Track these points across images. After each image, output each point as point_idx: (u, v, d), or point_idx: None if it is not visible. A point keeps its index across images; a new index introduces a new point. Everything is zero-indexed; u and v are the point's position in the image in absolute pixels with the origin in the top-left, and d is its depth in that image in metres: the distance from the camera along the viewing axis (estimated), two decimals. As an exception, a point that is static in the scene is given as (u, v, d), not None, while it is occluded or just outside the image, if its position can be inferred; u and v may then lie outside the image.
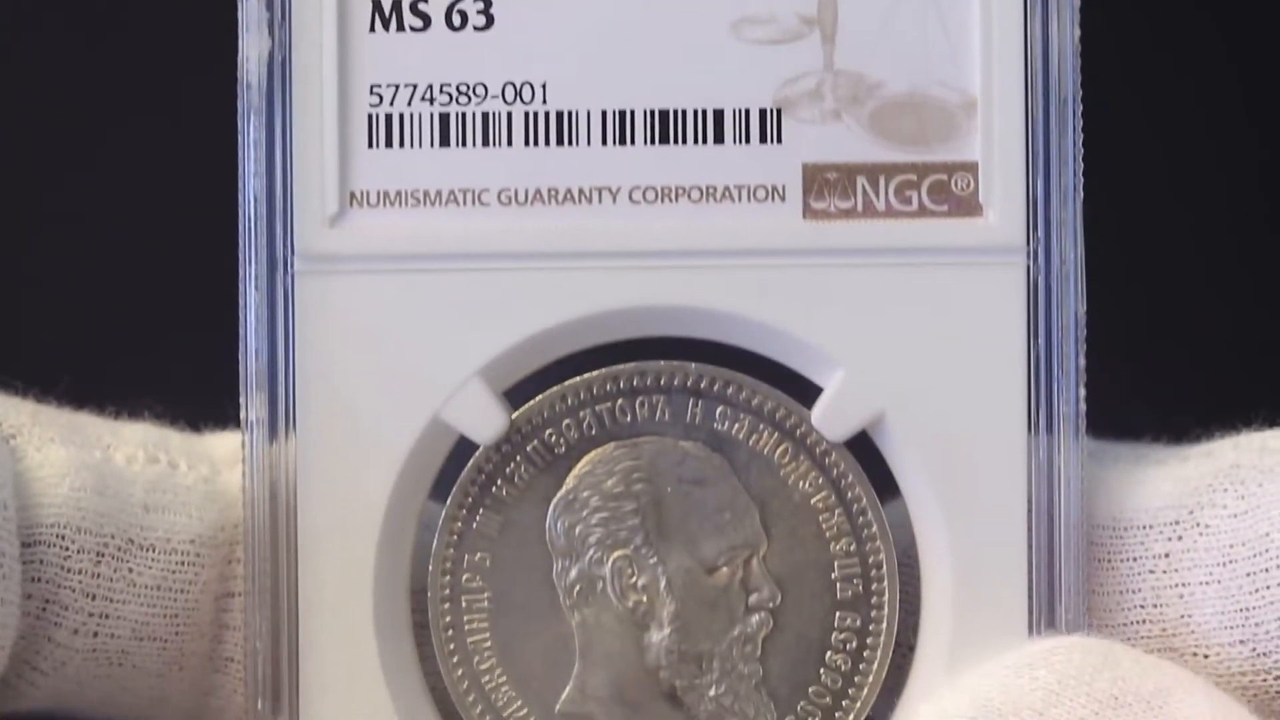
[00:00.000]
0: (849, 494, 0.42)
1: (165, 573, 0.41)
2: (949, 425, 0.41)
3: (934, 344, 0.41)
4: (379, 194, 0.41)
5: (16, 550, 0.40)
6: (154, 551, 0.41)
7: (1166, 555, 0.41)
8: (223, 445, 0.43)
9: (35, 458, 0.41)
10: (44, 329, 0.56)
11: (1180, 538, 0.41)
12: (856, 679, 0.42)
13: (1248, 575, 0.41)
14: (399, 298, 0.41)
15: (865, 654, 0.42)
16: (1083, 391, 0.41)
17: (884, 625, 0.42)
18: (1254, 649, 0.41)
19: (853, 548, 0.42)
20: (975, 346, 0.41)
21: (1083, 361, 0.41)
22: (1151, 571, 0.41)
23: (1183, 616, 0.41)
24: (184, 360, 0.52)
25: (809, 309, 0.41)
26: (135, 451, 0.42)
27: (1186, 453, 0.43)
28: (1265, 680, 0.41)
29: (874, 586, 0.42)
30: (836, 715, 0.42)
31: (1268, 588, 0.40)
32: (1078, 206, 0.41)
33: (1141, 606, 0.41)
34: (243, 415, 0.41)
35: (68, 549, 0.40)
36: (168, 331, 0.55)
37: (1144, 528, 0.41)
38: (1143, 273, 0.55)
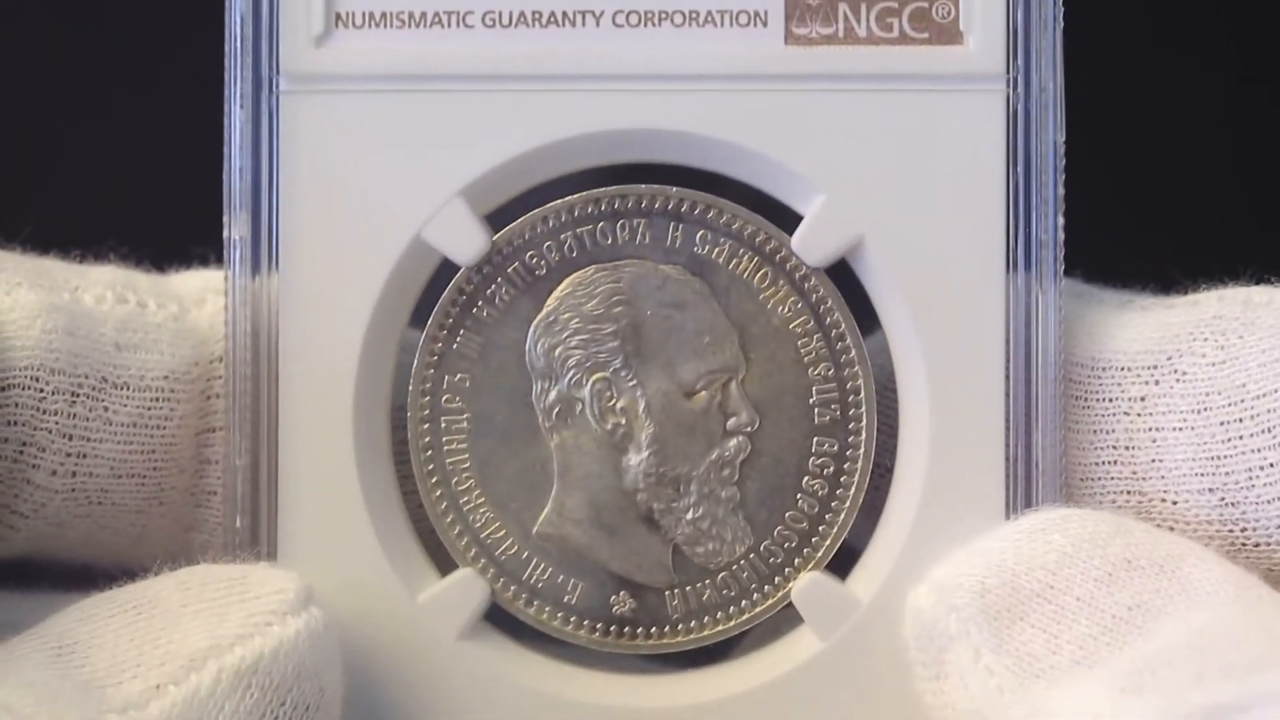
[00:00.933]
0: (828, 319, 0.42)
1: (140, 409, 0.41)
2: (928, 252, 0.41)
3: (914, 171, 0.41)
4: (364, 15, 0.42)
5: None
6: (128, 389, 0.41)
7: (1142, 399, 0.41)
8: (190, 284, 0.43)
9: (4, 302, 0.41)
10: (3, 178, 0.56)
11: (1157, 382, 0.41)
12: (834, 504, 0.42)
13: (1221, 424, 0.41)
14: (383, 118, 0.41)
15: (843, 479, 0.42)
16: (1061, 220, 0.41)
17: (861, 450, 0.42)
18: (1222, 498, 0.41)
19: (831, 373, 0.42)
20: (955, 174, 0.41)
21: (1061, 190, 0.41)
22: (1126, 413, 0.42)
23: (1154, 460, 0.41)
24: (146, 204, 0.52)
25: (790, 134, 0.41)
26: (104, 292, 0.42)
27: (1171, 301, 0.43)
28: (1232, 531, 0.41)
29: (852, 412, 0.42)
30: (813, 539, 0.42)
31: (1240, 438, 0.40)
32: (1058, 35, 0.41)
33: (1114, 447, 0.42)
34: (226, 233, 0.42)
35: (42, 390, 0.41)
36: (127, 174, 0.55)
37: (1122, 369, 0.42)
38: (1135, 129, 0.55)
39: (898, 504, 0.42)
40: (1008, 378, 0.41)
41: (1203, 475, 0.41)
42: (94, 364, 0.41)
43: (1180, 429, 0.41)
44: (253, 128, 0.42)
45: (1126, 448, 0.42)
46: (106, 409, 0.41)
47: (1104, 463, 0.42)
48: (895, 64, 0.41)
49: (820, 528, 0.42)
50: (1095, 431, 0.42)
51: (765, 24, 0.42)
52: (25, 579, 0.43)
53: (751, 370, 0.42)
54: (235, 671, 0.37)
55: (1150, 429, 0.41)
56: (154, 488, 0.42)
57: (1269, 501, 0.40)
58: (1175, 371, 0.41)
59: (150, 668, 0.37)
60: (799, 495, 0.42)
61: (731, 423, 0.42)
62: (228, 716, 0.37)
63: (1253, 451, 0.40)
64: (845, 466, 0.42)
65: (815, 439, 0.42)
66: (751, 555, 0.42)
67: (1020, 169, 0.41)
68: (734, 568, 0.42)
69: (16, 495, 0.41)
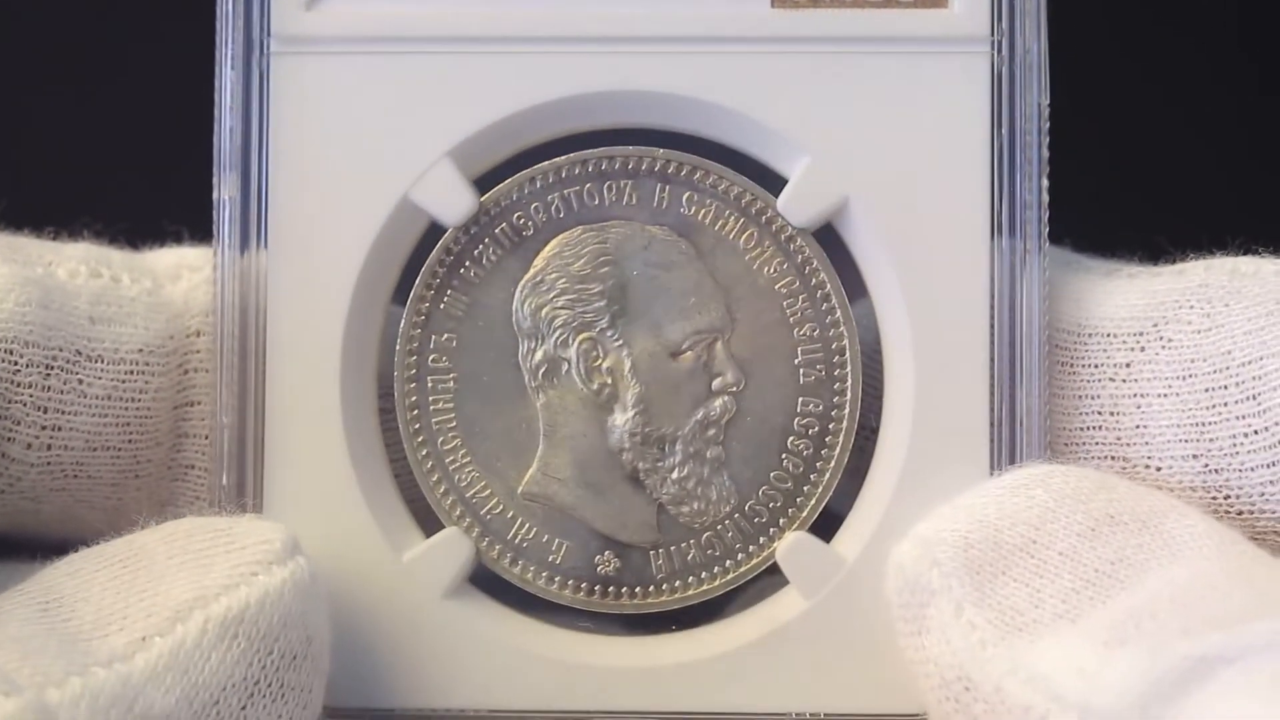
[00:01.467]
0: (813, 280, 0.42)
1: (115, 382, 0.42)
2: (913, 214, 0.41)
3: (899, 133, 0.42)
4: None
5: None
6: (102, 362, 0.41)
7: (1128, 365, 0.42)
8: (164, 260, 0.44)
9: None
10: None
11: (1143, 349, 0.42)
12: (819, 464, 0.42)
13: (1206, 391, 0.41)
14: (371, 80, 0.42)
15: (827, 439, 0.42)
16: (1046, 183, 0.42)
17: (846, 410, 0.42)
18: (1206, 464, 0.41)
19: (816, 333, 0.42)
20: (940, 136, 0.41)
21: (1046, 153, 0.42)
22: (1111, 379, 0.42)
23: (1138, 426, 0.41)
24: (120, 180, 0.52)
25: (776, 96, 0.42)
26: (77, 267, 0.42)
27: (1158, 270, 0.43)
28: (1215, 498, 0.41)
29: (837, 372, 0.42)
30: (798, 499, 0.42)
31: (1224, 404, 0.41)
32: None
33: (1099, 413, 0.42)
34: (215, 194, 0.42)
35: (16, 363, 0.41)
36: (100, 150, 0.56)
37: (1108, 335, 0.42)
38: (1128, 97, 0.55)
39: (882, 464, 0.42)
40: (992, 338, 0.41)
41: (1187, 441, 0.41)
42: (68, 337, 0.41)
43: (1165, 395, 0.41)
44: (243, 89, 0.42)
45: (1111, 413, 0.42)
46: (81, 381, 0.41)
47: (1088, 428, 0.42)
48: (880, 27, 0.42)
49: (805, 488, 0.42)
50: (1080, 397, 0.42)
51: None
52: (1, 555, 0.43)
53: (737, 330, 0.42)
54: (221, 622, 0.37)
55: (1135, 395, 0.42)
56: (130, 461, 0.42)
57: (1252, 469, 0.41)
58: (1161, 338, 0.41)
59: (136, 620, 0.37)
60: (784, 455, 0.42)
61: (717, 383, 0.42)
62: (214, 666, 0.37)
63: (1237, 419, 0.41)
64: (830, 426, 0.42)
65: (800, 399, 0.42)
66: (736, 515, 0.42)
67: (1005, 132, 0.42)
68: (719, 527, 0.42)
69: None
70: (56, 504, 0.42)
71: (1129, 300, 0.42)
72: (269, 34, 0.42)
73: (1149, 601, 0.37)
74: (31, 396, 0.41)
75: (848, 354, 0.42)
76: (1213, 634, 0.35)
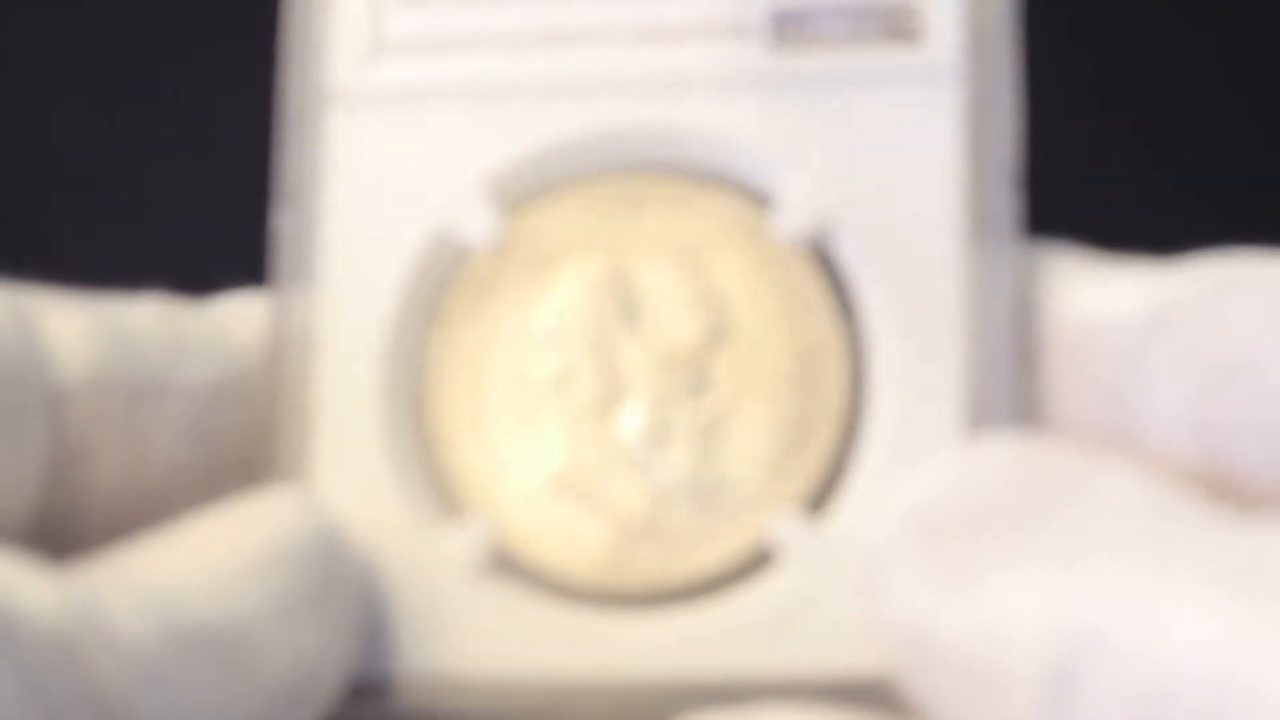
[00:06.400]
0: (803, 293, 0.46)
1: (193, 416, 0.45)
2: (893, 229, 0.46)
3: (878, 158, 0.46)
4: (407, 38, 0.48)
5: (44, 403, 0.44)
6: (180, 397, 0.45)
7: (1135, 354, 0.43)
8: (225, 306, 0.48)
9: (54, 321, 0.45)
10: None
11: (1150, 338, 0.43)
12: (808, 454, 0.46)
13: (1212, 379, 0.42)
14: (414, 129, 0.48)
15: (817, 432, 0.46)
16: (1016, 195, 0.45)
17: (833, 407, 0.46)
18: (1209, 450, 0.42)
19: (806, 339, 0.46)
20: (915, 158, 0.46)
21: (1017, 175, 0.45)
22: (1118, 368, 0.43)
23: (1143, 414, 0.43)
24: (172, 242, 0.56)
25: (767, 127, 0.46)
26: (144, 314, 0.46)
27: (1167, 264, 0.45)
28: (1218, 486, 0.42)
29: (826, 378, 0.46)
30: (789, 484, 0.45)
31: (1230, 393, 0.42)
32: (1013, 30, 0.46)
33: (1103, 402, 0.44)
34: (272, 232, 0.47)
35: (99, 401, 0.44)
36: (155, 216, 0.60)
37: (1115, 327, 0.44)
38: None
39: (870, 449, 0.45)
40: (970, 341, 0.45)
41: (1191, 427, 0.43)
42: (145, 373, 0.45)
43: (1171, 383, 0.43)
44: (303, 139, 0.48)
45: (1116, 402, 0.43)
46: (163, 414, 0.45)
47: (1092, 417, 0.44)
48: (858, 60, 0.47)
49: (796, 475, 0.45)
50: (1085, 387, 0.44)
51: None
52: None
53: (736, 336, 0.46)
54: (257, 553, 0.41)
55: (1141, 383, 0.43)
56: (208, 490, 0.45)
57: (1256, 455, 0.42)
58: (1168, 328, 0.43)
59: (174, 561, 0.41)
60: (776, 445, 0.46)
61: (715, 382, 0.46)
62: (255, 588, 0.41)
63: (1243, 407, 0.42)
64: (820, 414, 0.46)
65: (791, 398, 0.46)
66: (734, 494, 0.45)
67: (977, 153, 0.46)
68: (711, 508, 0.46)
69: (78, 502, 0.44)
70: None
71: (1136, 289, 0.44)
72: (328, 88, 0.48)
73: (1086, 532, 0.39)
74: (114, 431, 0.45)
75: (835, 358, 0.46)
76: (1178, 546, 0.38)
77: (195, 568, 0.41)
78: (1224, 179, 0.58)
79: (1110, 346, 0.44)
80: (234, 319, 0.47)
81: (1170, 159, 0.57)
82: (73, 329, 0.45)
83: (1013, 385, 0.44)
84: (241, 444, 0.47)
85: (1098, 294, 0.44)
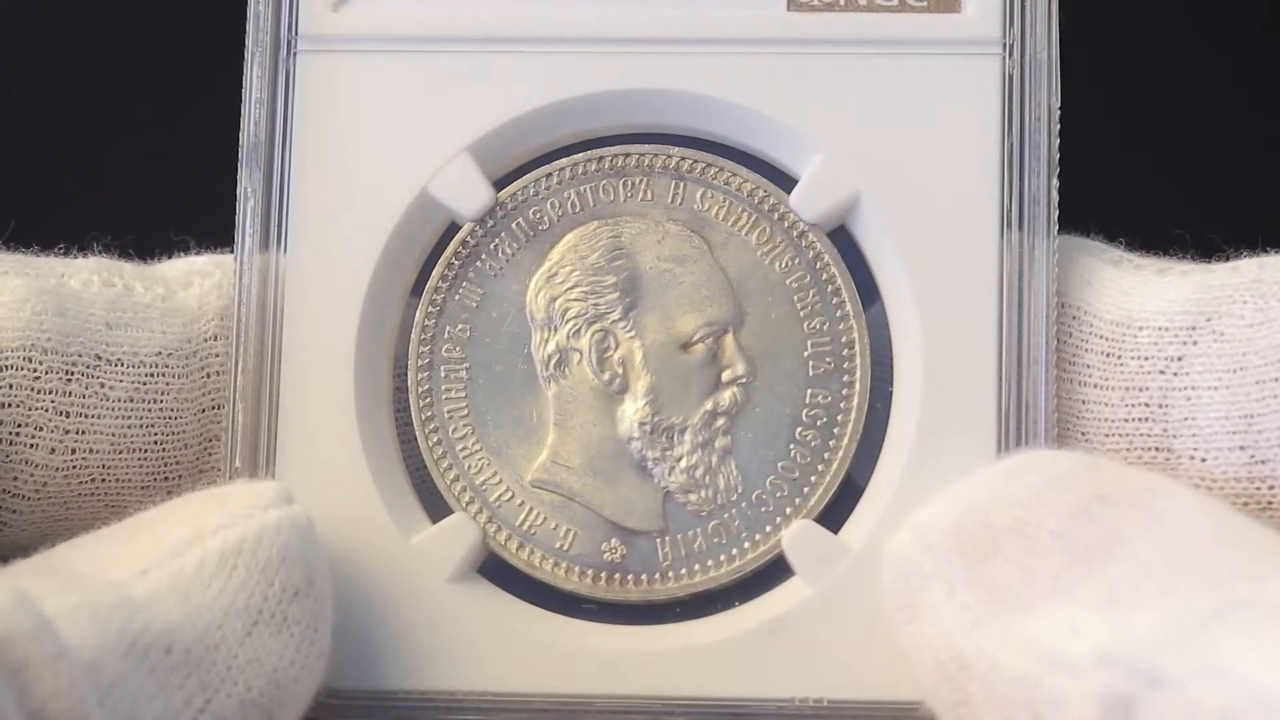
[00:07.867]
0: (824, 275, 0.43)
1: (136, 385, 0.42)
2: (923, 210, 0.42)
3: (911, 133, 0.42)
4: None
5: None
6: (122, 365, 0.42)
7: (1179, 358, 0.42)
8: (174, 268, 0.44)
9: None
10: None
11: (1195, 343, 0.42)
12: (825, 454, 0.42)
13: (1257, 383, 0.41)
14: (394, 78, 0.43)
15: (835, 430, 0.42)
16: (1055, 183, 0.42)
17: (854, 403, 0.42)
18: (1253, 455, 0.41)
19: (826, 326, 0.42)
20: (952, 137, 0.42)
21: (1056, 155, 0.42)
22: (1162, 372, 0.42)
23: (1186, 419, 0.41)
24: (125, 193, 0.53)
25: (790, 95, 0.42)
26: (90, 277, 0.43)
27: (1211, 267, 0.43)
28: (1260, 489, 0.41)
29: (845, 365, 0.42)
30: (805, 489, 0.42)
31: (1275, 397, 0.41)
32: (1054, 3, 0.43)
33: (1146, 405, 0.42)
34: (240, 188, 0.43)
35: (36, 370, 0.41)
36: (106, 165, 0.57)
37: (1159, 329, 0.42)
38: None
39: (890, 455, 0.42)
40: (1000, 332, 0.42)
41: (1235, 434, 0.41)
42: (86, 342, 0.42)
43: (1215, 388, 0.41)
44: (269, 87, 0.43)
45: (1160, 405, 0.42)
46: (102, 385, 0.42)
47: (1135, 419, 0.42)
48: (894, 29, 0.43)
49: (812, 477, 0.42)
50: (1129, 389, 0.42)
51: None
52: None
53: (748, 324, 0.42)
54: (219, 553, 0.38)
55: (1185, 387, 0.42)
56: (157, 463, 0.43)
57: None
58: (1214, 332, 0.42)
59: (133, 561, 0.38)
60: (791, 445, 0.42)
61: (726, 374, 0.42)
62: (215, 592, 0.37)
63: None
64: (838, 418, 0.42)
65: (809, 390, 0.42)
66: (743, 504, 0.42)
67: (1016, 131, 0.42)
68: (725, 516, 0.42)
69: (16, 477, 0.42)
70: (86, 509, 0.43)
71: (1182, 294, 0.42)
72: (296, 33, 0.43)
73: (1140, 567, 0.37)
74: (53, 401, 0.41)
75: (856, 347, 0.42)
76: (1203, 593, 0.35)
77: (151, 569, 0.37)
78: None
79: (1150, 351, 0.42)
80: (179, 283, 0.44)
81: (1223, 150, 0.55)
82: (13, 294, 0.42)
83: (1049, 390, 0.41)
84: (191, 419, 0.43)
85: (1138, 294, 0.42)
